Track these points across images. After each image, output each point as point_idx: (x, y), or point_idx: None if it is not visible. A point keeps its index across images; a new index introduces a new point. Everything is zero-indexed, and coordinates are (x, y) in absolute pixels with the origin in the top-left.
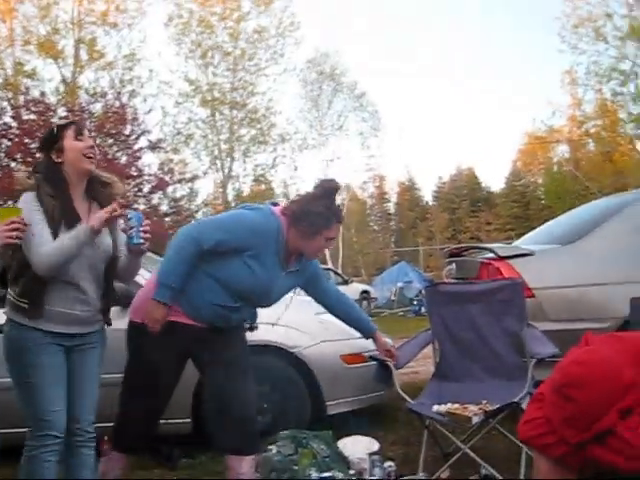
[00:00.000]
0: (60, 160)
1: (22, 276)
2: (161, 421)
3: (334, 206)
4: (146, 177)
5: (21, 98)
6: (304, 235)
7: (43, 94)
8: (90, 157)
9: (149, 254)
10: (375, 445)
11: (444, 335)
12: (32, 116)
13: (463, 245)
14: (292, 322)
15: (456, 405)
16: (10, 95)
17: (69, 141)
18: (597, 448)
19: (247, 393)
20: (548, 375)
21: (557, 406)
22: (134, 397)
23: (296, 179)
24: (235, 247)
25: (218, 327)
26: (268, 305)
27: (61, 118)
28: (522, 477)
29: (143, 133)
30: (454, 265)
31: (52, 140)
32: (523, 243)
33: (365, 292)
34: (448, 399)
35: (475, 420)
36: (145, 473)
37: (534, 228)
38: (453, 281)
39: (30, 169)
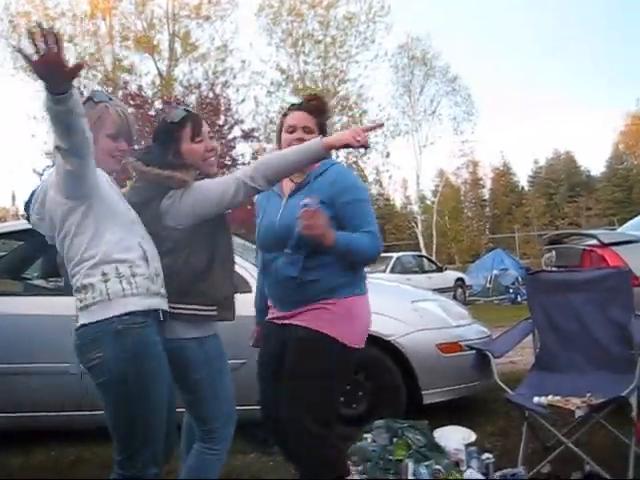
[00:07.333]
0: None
1: None
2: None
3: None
4: (240, 166)
5: (120, 92)
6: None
7: (140, 88)
8: (210, 160)
9: (242, 241)
10: (472, 436)
11: (545, 325)
12: (131, 109)
13: (563, 232)
14: (388, 310)
15: (557, 397)
16: (110, 90)
17: (187, 144)
18: None
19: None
20: None
21: None
22: None
23: (388, 165)
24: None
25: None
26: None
27: (157, 110)
28: (631, 477)
29: (236, 123)
30: (554, 252)
31: (169, 139)
32: (628, 229)
33: (460, 280)
34: (549, 391)
35: (578, 414)
36: (240, 457)
37: (638, 213)
38: (554, 269)
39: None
